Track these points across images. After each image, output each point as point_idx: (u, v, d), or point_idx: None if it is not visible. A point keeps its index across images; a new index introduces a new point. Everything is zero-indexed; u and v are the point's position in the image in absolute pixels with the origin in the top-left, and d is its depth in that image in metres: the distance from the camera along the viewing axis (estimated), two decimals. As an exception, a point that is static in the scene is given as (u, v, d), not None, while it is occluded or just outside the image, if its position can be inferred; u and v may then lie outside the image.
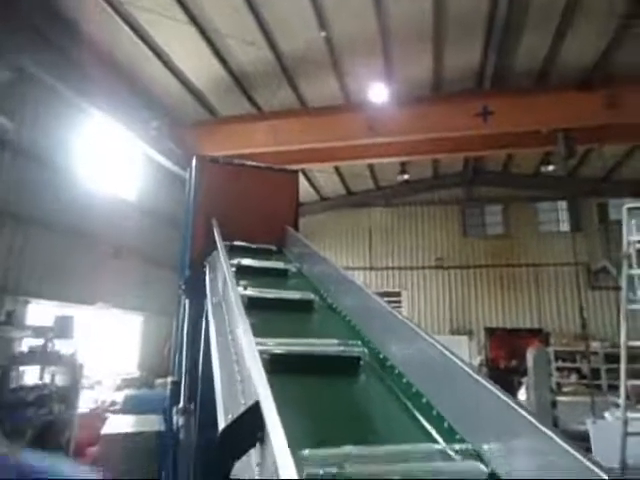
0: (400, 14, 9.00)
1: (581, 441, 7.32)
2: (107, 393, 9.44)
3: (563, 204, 16.93)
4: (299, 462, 1.03)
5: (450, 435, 1.66)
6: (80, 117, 9.59)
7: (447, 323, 16.65)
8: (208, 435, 2.67)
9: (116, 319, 11.08)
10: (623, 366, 4.97)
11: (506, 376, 13.80)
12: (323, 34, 9.31)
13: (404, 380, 2.02)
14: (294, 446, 1.02)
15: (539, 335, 15.26)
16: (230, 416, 1.41)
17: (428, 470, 1.47)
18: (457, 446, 1.58)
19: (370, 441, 1.62)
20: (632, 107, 9.18)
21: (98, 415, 8.07)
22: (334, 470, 1.37)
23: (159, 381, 9.73)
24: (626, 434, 4.61)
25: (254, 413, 1.17)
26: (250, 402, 1.27)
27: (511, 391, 11.61)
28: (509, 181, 17.07)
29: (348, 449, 1.48)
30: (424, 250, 17.52)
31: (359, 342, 2.36)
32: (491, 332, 16.14)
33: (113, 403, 8.89)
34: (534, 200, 17.16)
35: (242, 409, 1.28)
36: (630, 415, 4.96)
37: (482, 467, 1.48)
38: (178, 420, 3.29)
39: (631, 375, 5.42)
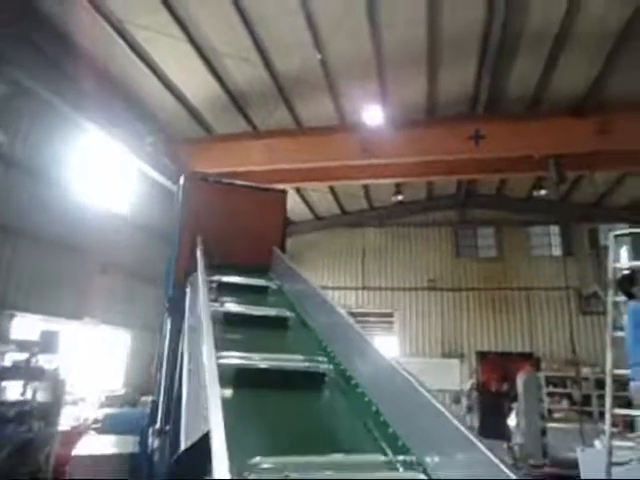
0: (395, 38, 9.16)
1: (570, 469, 7.21)
2: (90, 410, 9.26)
3: (555, 229, 17.06)
4: None
5: (401, 449, 1.78)
6: (75, 131, 9.62)
7: (439, 346, 16.54)
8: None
9: (103, 335, 10.94)
10: (609, 393, 4.92)
11: (497, 400, 13.66)
12: (319, 56, 9.44)
13: (366, 399, 2.11)
14: (244, 454, 1.10)
15: (530, 359, 15.16)
16: (188, 442, 1.39)
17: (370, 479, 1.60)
18: (402, 457, 1.71)
19: (321, 452, 1.70)
20: (623, 134, 9.31)
21: (80, 433, 7.90)
22: (278, 477, 1.44)
23: (143, 399, 9.57)
24: (610, 464, 4.54)
25: (204, 445, 1.15)
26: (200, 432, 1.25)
27: (501, 416, 11.49)
28: (502, 204, 17.20)
29: (295, 458, 1.55)
30: (417, 271, 17.52)
31: (326, 359, 2.45)
32: (482, 356, 16.04)
33: (96, 421, 8.71)
34: (526, 224, 17.28)
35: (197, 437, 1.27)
36: (616, 444, 4.90)
37: (422, 477, 1.62)
38: (153, 442, 3.21)
39: (620, 403, 5.38)
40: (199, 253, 3.61)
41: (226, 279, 3.57)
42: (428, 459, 1.65)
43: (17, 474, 6.26)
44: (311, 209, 17.41)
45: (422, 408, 1.74)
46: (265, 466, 1.50)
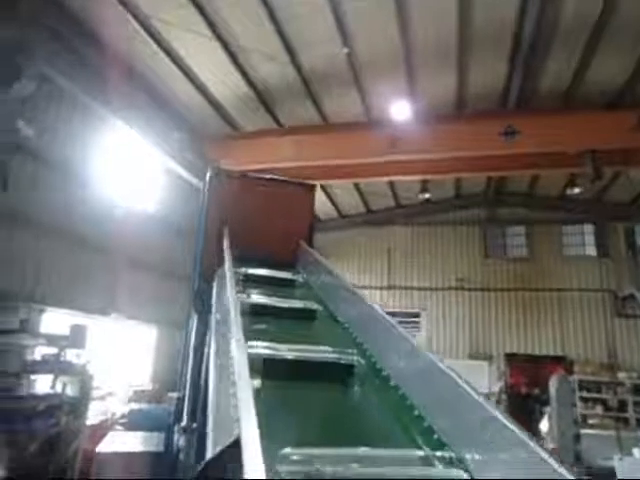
0: (424, 32, 8.95)
1: (607, 479, 6.91)
2: (118, 405, 9.34)
3: (589, 228, 16.44)
4: None
5: (438, 445, 1.68)
6: (102, 127, 9.70)
7: (466, 347, 16.17)
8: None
9: (130, 331, 11.06)
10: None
11: (526, 404, 13.29)
12: (346, 50, 9.30)
13: (399, 392, 2.03)
14: (274, 445, 1.05)
15: (562, 363, 14.70)
16: (217, 448, 1.27)
17: (406, 475, 1.52)
18: (439, 453, 1.61)
19: (352, 444, 1.63)
20: (662, 129, 8.88)
21: (107, 427, 7.96)
22: (309, 469, 1.40)
23: (170, 395, 9.61)
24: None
25: (234, 452, 1.03)
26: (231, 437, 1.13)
27: (532, 420, 11.15)
28: (532, 203, 16.68)
29: (326, 450, 1.51)
30: (444, 271, 17.16)
31: (355, 351, 2.40)
32: (511, 358, 15.61)
33: (123, 416, 8.78)
34: (559, 223, 16.70)
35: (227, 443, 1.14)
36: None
37: (464, 475, 1.51)
38: (179, 440, 3.13)
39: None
40: (225, 244, 3.53)
41: (253, 271, 3.50)
42: (468, 456, 1.55)
43: (46, 468, 6.32)
44: (336, 207, 17.27)
45: (460, 402, 1.64)
46: (295, 458, 1.45)
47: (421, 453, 1.66)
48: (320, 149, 11.10)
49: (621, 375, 13.19)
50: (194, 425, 3.35)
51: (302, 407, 1.96)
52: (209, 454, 1.30)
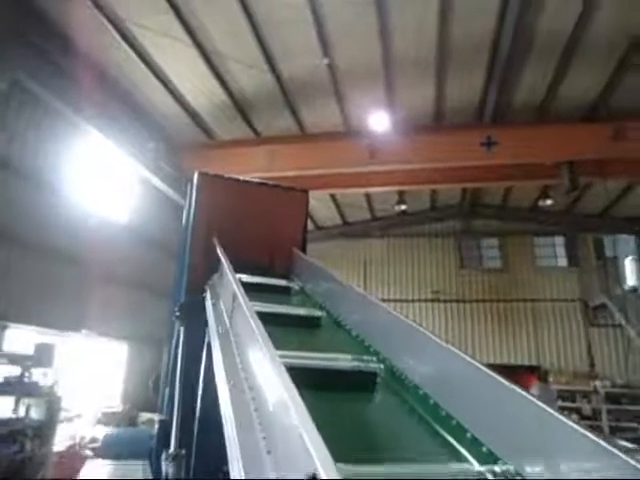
0: (404, 44, 8.97)
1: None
2: (86, 428, 8.79)
3: (560, 239, 16.83)
4: None
5: (489, 458, 1.49)
6: (75, 135, 9.29)
7: (443, 358, 16.12)
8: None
9: (100, 347, 10.49)
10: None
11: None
12: (326, 61, 9.22)
13: (431, 401, 1.85)
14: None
15: (537, 372, 14.84)
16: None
17: None
18: (494, 467, 1.43)
19: (391, 460, 1.50)
20: (638, 140, 9.11)
21: (76, 453, 7.45)
22: None
23: (143, 416, 9.12)
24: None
25: None
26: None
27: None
28: (505, 215, 16.96)
29: (370, 467, 1.38)
30: (420, 282, 17.19)
31: (374, 358, 2.27)
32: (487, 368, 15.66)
33: (93, 440, 8.26)
34: (531, 234, 17.02)
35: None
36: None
37: None
38: (167, 469, 2.82)
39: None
40: (219, 251, 3.29)
41: (247, 279, 3.29)
42: (529, 469, 1.35)
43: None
44: (312, 219, 17.09)
45: (504, 404, 1.46)
46: (350, 474, 1.26)
47: (471, 467, 1.48)
48: (293, 159, 10.95)
49: (595, 384, 13.38)
50: (183, 452, 3.05)
51: (333, 419, 1.79)
52: None
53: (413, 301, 17.02)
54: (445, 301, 16.78)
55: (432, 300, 16.86)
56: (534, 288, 16.24)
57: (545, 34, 8.63)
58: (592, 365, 11.36)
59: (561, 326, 15.59)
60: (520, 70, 9.56)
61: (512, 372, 14.99)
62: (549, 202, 14.27)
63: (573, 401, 13.91)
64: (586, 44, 8.74)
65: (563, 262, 16.56)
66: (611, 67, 9.25)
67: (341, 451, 1.51)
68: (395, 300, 17.06)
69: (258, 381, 1.50)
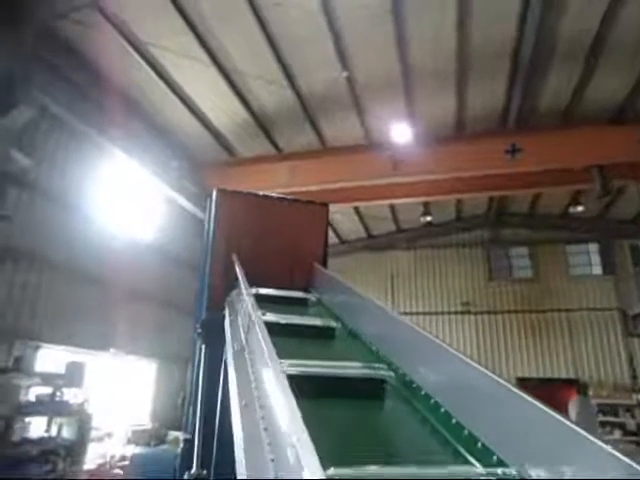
0: (423, 54, 8.91)
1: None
2: (117, 447, 8.85)
3: (594, 246, 16.24)
4: None
5: (494, 462, 1.45)
6: (100, 157, 9.54)
7: (476, 372, 15.67)
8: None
9: (129, 366, 10.61)
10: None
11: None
12: (345, 74, 9.25)
13: (442, 410, 1.81)
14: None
15: (576, 385, 14.23)
16: None
17: None
18: (498, 470, 1.40)
19: (398, 462, 1.52)
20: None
21: (106, 471, 7.49)
22: None
23: (171, 434, 9.13)
24: None
25: None
26: None
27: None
28: (535, 223, 16.52)
29: (374, 468, 1.39)
30: (449, 294, 16.83)
31: (385, 366, 2.27)
32: (523, 382, 15.12)
33: (123, 458, 8.30)
34: (562, 242, 16.49)
35: None
36: None
37: None
38: (190, 489, 2.77)
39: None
40: (237, 267, 3.27)
41: (264, 291, 3.33)
42: (533, 472, 1.32)
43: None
44: (336, 232, 17.04)
45: (516, 413, 1.43)
46: (340, 476, 1.27)
47: (476, 470, 1.45)
48: (315, 174, 10.97)
49: (638, 397, 12.74)
50: (204, 472, 2.99)
51: (342, 425, 1.84)
52: None
53: (442, 313, 16.67)
54: (476, 313, 16.36)
55: (462, 312, 16.47)
56: (568, 298, 15.67)
57: (568, 35, 8.42)
58: (634, 377, 10.78)
59: (599, 336, 14.96)
60: (544, 74, 9.36)
61: (549, 386, 14.46)
62: (580, 208, 13.83)
63: (615, 415, 13.27)
64: (612, 44, 8.49)
65: (598, 270, 15.93)
66: (638, 67, 8.97)
67: (343, 454, 1.50)
68: (424, 313, 16.76)
69: (268, 399, 1.45)
